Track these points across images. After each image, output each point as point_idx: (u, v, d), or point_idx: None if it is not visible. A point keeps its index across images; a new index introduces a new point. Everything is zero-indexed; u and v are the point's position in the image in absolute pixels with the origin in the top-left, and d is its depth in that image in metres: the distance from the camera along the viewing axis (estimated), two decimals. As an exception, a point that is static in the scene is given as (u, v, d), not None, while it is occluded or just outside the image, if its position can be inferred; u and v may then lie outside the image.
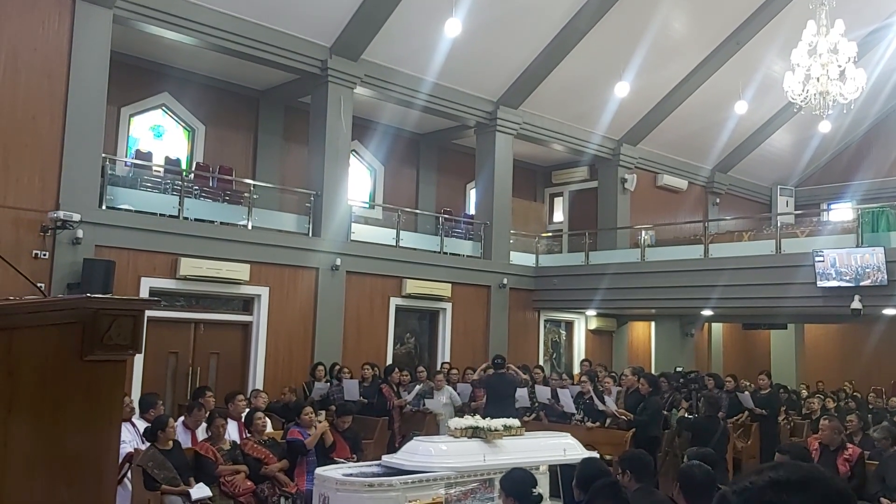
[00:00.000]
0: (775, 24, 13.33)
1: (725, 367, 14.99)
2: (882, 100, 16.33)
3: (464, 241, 13.56)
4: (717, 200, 17.64)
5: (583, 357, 13.62)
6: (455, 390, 9.81)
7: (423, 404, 9.46)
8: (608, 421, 8.42)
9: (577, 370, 12.79)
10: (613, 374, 10.75)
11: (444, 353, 12.51)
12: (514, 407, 8.83)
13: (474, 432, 6.31)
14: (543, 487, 6.27)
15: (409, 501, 5.56)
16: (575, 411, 8.87)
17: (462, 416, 6.92)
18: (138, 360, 8.91)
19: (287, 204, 11.64)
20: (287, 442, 6.84)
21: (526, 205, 15.50)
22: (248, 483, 6.36)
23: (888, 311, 11.03)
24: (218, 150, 12.01)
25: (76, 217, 8.54)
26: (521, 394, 9.30)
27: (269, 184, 11.61)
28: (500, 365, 9.28)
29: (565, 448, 6.66)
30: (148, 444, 6.08)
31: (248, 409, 7.31)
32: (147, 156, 11.09)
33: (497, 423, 6.51)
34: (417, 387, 9.59)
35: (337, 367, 10.17)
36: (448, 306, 12.60)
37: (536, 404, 9.45)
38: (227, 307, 10.31)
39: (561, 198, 16.65)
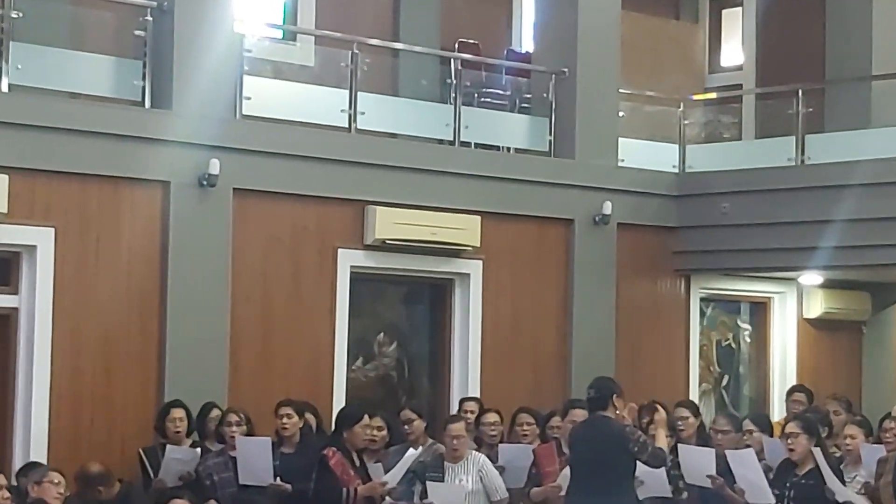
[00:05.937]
0: None
1: None
2: None
3: (509, 116, 13.85)
4: None
5: (793, 381, 13.84)
6: (494, 460, 10.05)
7: (422, 492, 9.73)
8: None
9: (779, 413, 13.14)
10: (862, 417, 10.90)
11: (465, 380, 12.83)
12: (629, 491, 9.11)
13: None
14: None
15: None
16: (773, 500, 9.01)
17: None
18: None
19: (92, 35, 11.86)
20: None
21: (656, 27, 16.07)
22: None
23: None
24: None
25: None
26: (649, 469, 9.37)
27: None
28: (599, 402, 9.48)
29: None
30: None
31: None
32: None
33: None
34: (410, 453, 9.78)
35: (217, 414, 10.44)
36: (474, 269, 12.91)
37: (682, 486, 9.71)
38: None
39: (738, 10, 16.93)
